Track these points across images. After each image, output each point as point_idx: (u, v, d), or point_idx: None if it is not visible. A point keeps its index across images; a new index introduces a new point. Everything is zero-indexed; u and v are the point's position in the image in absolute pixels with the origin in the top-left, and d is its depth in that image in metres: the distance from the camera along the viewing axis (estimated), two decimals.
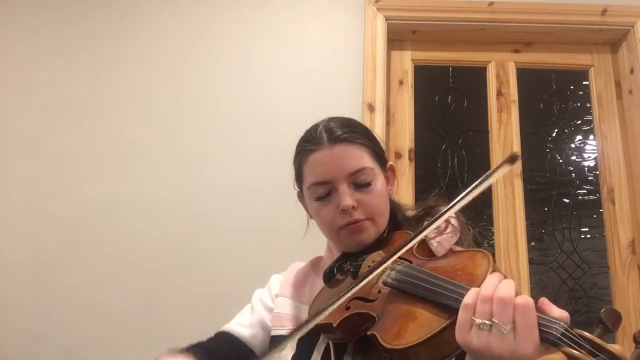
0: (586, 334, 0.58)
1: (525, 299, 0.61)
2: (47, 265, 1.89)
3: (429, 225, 0.76)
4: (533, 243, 2.06)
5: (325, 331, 0.87)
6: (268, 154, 1.97)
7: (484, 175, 0.70)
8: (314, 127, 0.99)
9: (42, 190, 1.97)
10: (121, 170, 1.98)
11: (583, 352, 0.57)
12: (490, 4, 2.12)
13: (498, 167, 0.69)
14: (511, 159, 0.68)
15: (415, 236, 0.76)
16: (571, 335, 0.58)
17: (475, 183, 0.70)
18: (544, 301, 0.64)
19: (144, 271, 1.88)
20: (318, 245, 1.10)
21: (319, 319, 0.73)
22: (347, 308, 0.83)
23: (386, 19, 2.11)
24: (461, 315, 0.64)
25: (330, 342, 0.88)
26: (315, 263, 1.10)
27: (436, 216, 0.75)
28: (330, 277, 0.96)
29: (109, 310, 1.84)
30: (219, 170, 1.97)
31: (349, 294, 0.74)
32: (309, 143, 0.96)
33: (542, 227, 2.09)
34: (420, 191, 2.05)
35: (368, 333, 0.76)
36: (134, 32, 2.14)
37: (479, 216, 2.06)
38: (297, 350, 0.92)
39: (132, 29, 2.14)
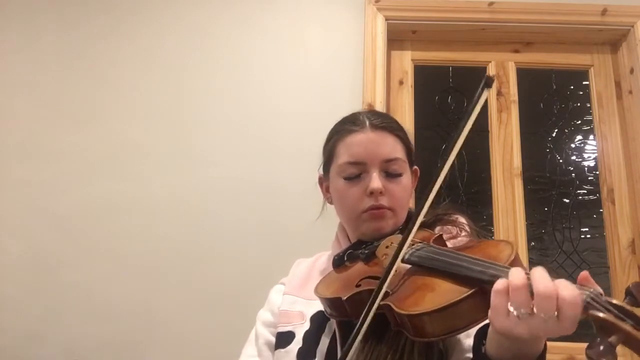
0: (614, 300, 0.58)
1: (573, 294, 0.59)
2: (47, 265, 1.89)
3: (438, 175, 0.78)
4: (533, 243, 2.06)
5: (332, 307, 0.87)
6: (269, 153, 1.97)
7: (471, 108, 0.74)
8: (355, 113, 1.03)
9: (42, 190, 1.97)
10: (121, 170, 1.98)
11: (610, 315, 0.56)
12: (490, 4, 2.12)
13: (480, 95, 0.72)
14: (487, 82, 0.71)
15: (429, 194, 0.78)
16: (599, 300, 0.58)
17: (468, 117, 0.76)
18: (587, 277, 0.63)
19: (144, 271, 1.88)
20: (320, 244, 1.10)
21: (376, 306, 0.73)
22: (358, 285, 0.83)
23: (386, 19, 2.11)
24: (495, 301, 0.63)
25: (336, 330, 0.88)
26: (319, 258, 1.10)
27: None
28: (339, 263, 0.97)
29: (109, 310, 1.84)
30: (219, 169, 1.97)
31: (391, 275, 0.75)
32: (349, 124, 1.00)
33: (542, 227, 2.09)
34: (420, 191, 2.04)
35: (381, 303, 0.75)
36: (134, 32, 2.14)
37: (479, 216, 2.06)
38: (303, 343, 0.92)
39: (133, 29, 2.14)
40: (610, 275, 1.99)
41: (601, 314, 0.57)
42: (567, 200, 2.11)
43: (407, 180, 0.99)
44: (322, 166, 1.06)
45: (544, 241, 2.08)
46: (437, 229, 0.97)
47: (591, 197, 2.11)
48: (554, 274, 0.63)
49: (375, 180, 0.94)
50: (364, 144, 0.96)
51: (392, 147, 0.97)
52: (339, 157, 0.99)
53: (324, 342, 0.90)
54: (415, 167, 1.05)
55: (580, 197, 2.12)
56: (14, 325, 1.83)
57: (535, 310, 0.60)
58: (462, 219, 0.99)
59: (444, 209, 1.03)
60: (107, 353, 1.80)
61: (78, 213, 1.94)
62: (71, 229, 1.92)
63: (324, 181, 1.06)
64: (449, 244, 0.90)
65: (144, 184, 1.97)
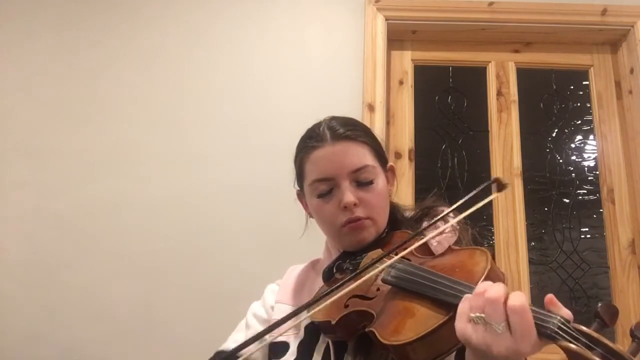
0: (583, 328, 0.58)
1: (519, 300, 0.61)
2: (47, 265, 1.89)
3: (430, 229, 0.78)
4: (533, 243, 2.06)
5: (324, 330, 0.87)
6: (268, 154, 1.97)
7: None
8: (316, 125, 0.99)
9: (42, 190, 1.97)
10: (121, 170, 1.98)
11: (579, 345, 0.56)
12: (490, 4, 2.12)
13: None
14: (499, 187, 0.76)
15: (415, 237, 0.79)
16: (568, 329, 0.58)
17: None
18: (552, 299, 0.63)
19: (144, 271, 1.88)
20: (318, 245, 1.10)
21: (314, 311, 0.75)
22: (346, 306, 0.83)
23: (386, 19, 2.11)
24: (461, 306, 0.65)
25: (330, 343, 0.88)
26: (313, 265, 1.09)
27: (437, 217, 0.77)
28: (329, 276, 0.96)
29: (109, 310, 1.84)
30: (219, 170, 1.97)
31: (348, 289, 0.75)
32: (311, 140, 0.97)
33: (542, 227, 2.09)
34: (420, 191, 2.05)
35: (366, 330, 0.76)
36: (134, 32, 2.14)
37: (479, 216, 2.06)
38: (298, 353, 0.91)
39: (133, 29, 2.14)
40: (610, 275, 1.99)
41: (570, 345, 0.57)
42: (567, 200, 2.11)
43: (381, 184, 0.96)
44: (295, 182, 1.04)
45: (544, 241, 2.08)
46: (425, 224, 0.97)
47: (591, 197, 2.11)
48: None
49: (347, 194, 0.91)
50: (328, 158, 0.93)
51: (358, 156, 0.94)
52: (307, 175, 0.97)
53: (319, 353, 0.89)
54: (390, 164, 1.03)
55: (580, 197, 2.12)
56: (14, 325, 1.83)
57: (485, 317, 0.61)
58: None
59: (432, 201, 1.02)
60: (107, 353, 1.80)
61: (78, 213, 1.94)
62: (71, 229, 1.92)
63: (302, 197, 1.04)
64: (434, 241, 0.89)
65: (144, 184, 1.96)
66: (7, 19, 2.15)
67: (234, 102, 2.05)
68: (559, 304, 0.63)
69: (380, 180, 0.96)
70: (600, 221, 2.06)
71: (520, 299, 0.61)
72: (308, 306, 0.75)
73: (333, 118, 1.00)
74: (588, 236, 2.08)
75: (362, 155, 0.95)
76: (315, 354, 0.89)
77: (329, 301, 0.78)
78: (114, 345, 1.81)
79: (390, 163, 1.04)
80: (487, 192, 0.80)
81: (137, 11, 2.16)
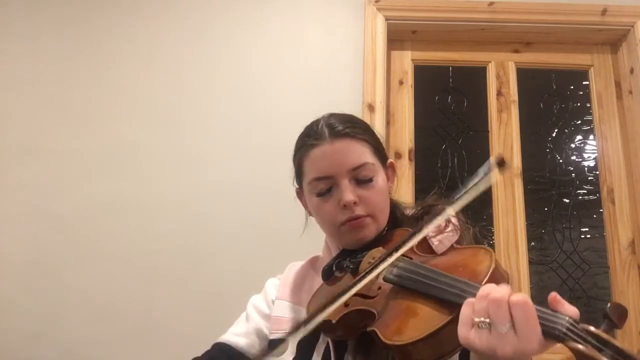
0: (591, 328, 0.58)
1: (522, 296, 0.61)
2: (47, 265, 1.89)
3: (429, 223, 0.77)
4: (533, 243, 2.06)
5: (324, 329, 0.87)
6: (268, 154, 1.97)
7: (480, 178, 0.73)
8: (315, 123, 0.99)
9: (42, 190, 1.97)
10: (121, 170, 1.98)
11: (588, 346, 0.56)
12: (490, 4, 2.12)
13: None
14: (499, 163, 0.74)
15: (416, 233, 0.77)
16: (576, 330, 0.58)
17: (473, 183, 0.75)
18: (555, 297, 0.62)
19: (144, 271, 1.88)
20: (318, 243, 1.10)
21: (319, 319, 0.73)
22: (346, 305, 0.82)
23: (386, 19, 2.11)
24: (463, 311, 0.64)
25: (329, 343, 0.88)
26: (313, 262, 1.09)
27: (437, 214, 0.77)
28: (328, 275, 0.96)
29: (109, 310, 1.84)
30: (219, 170, 1.97)
31: (352, 292, 0.74)
32: (310, 138, 0.96)
33: (542, 227, 2.09)
34: (420, 191, 2.05)
35: (368, 329, 0.75)
36: (134, 32, 2.14)
37: (479, 216, 2.06)
38: (297, 353, 0.91)
39: (133, 28, 2.14)
40: (610, 275, 1.99)
41: (580, 346, 0.56)
42: (567, 200, 2.11)
43: (381, 182, 0.95)
44: (295, 180, 1.04)
45: (544, 241, 2.08)
46: (425, 219, 0.96)
47: (591, 197, 2.11)
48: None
49: (346, 193, 0.90)
50: (327, 157, 0.92)
51: (357, 154, 0.93)
52: (306, 174, 0.96)
53: (318, 352, 0.89)
54: (390, 161, 1.02)
55: (580, 197, 2.12)
56: (14, 325, 1.83)
57: (490, 318, 0.61)
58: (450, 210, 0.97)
59: (433, 199, 1.01)
60: (107, 353, 1.80)
61: (78, 213, 1.93)
62: (71, 229, 1.92)
63: (301, 195, 1.03)
64: (435, 240, 0.89)
65: (144, 184, 1.96)
66: (7, 19, 2.15)
67: (234, 103, 2.05)
68: (564, 301, 0.63)
69: (380, 178, 0.96)
70: (600, 221, 2.06)
71: (522, 295, 0.61)
72: (313, 317, 0.75)
73: (332, 115, 0.99)
74: (588, 236, 2.08)
75: (361, 153, 0.94)
76: (314, 354, 0.89)
77: (332, 305, 0.78)
78: (114, 345, 1.81)
79: (390, 160, 1.03)
80: (487, 175, 0.79)
81: (137, 11, 2.16)
